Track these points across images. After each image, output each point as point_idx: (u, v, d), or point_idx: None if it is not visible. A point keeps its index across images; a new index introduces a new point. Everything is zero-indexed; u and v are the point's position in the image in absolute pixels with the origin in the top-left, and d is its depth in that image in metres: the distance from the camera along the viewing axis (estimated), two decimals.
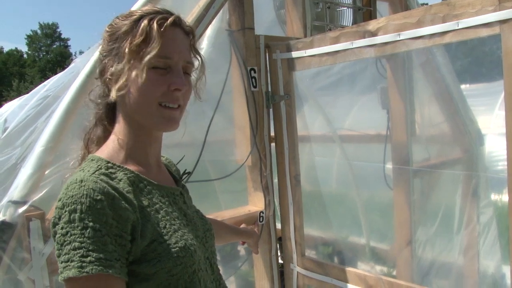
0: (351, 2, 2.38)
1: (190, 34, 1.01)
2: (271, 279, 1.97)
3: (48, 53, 45.38)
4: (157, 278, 0.89)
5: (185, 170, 1.24)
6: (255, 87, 1.91)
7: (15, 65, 42.86)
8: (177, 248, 0.93)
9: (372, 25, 1.55)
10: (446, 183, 2.67)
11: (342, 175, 3.06)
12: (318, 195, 2.65)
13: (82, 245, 0.80)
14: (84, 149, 1.04)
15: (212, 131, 1.80)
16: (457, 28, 1.34)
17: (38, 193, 1.36)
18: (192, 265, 0.96)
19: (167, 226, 0.95)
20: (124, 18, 0.98)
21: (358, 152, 3.05)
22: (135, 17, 0.96)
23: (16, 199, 1.36)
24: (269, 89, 1.96)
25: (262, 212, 1.92)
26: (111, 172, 0.93)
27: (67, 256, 0.81)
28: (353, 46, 1.61)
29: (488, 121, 4.25)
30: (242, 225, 1.75)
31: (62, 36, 47.49)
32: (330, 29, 2.27)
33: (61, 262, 0.82)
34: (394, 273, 2.66)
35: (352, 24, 2.36)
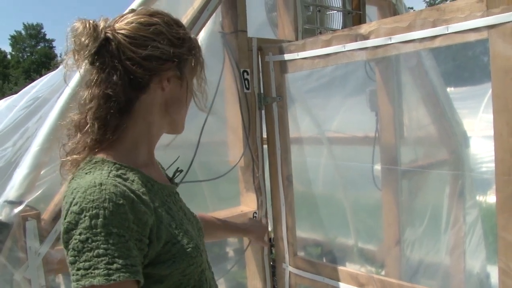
0: (340, 5, 2.41)
1: None
2: (264, 279, 1.99)
3: (33, 54, 44.75)
4: (171, 279, 0.90)
5: (177, 168, 1.22)
6: (247, 89, 1.93)
7: None
8: (190, 248, 0.93)
9: (364, 28, 1.59)
10: (433, 184, 2.72)
11: (330, 176, 3.10)
12: (307, 196, 2.68)
13: (108, 252, 0.79)
14: (88, 150, 0.97)
15: (204, 132, 1.82)
16: (446, 32, 1.38)
17: (34, 193, 1.36)
18: (201, 264, 0.97)
19: (178, 226, 0.95)
20: (182, 29, 1.01)
21: (346, 153, 3.09)
22: (187, 32, 1.02)
23: (12, 199, 1.36)
24: (261, 91, 1.98)
25: (255, 212, 1.95)
26: (122, 173, 0.91)
27: (87, 263, 0.79)
28: (345, 49, 1.64)
29: (472, 124, 4.34)
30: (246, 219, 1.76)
31: (47, 37, 46.97)
32: (320, 32, 2.31)
33: (78, 269, 0.79)
34: (383, 273, 2.70)
35: (342, 28, 2.40)
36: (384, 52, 1.54)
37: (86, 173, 0.89)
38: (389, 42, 1.51)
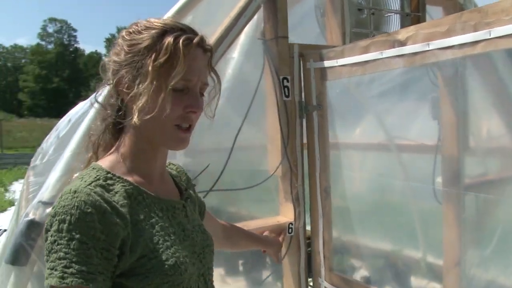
0: (398, 7, 2.27)
1: (209, 52, 0.99)
2: None
3: None
4: None
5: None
6: (287, 96, 1.89)
7: (94, 67, 45.67)
8: (167, 266, 0.92)
9: (402, 33, 1.47)
10: (507, 200, 2.46)
11: (386, 186, 2.93)
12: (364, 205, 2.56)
13: (67, 256, 0.82)
14: (92, 154, 1.03)
15: (240, 139, 1.80)
16: (489, 37, 1.23)
17: None
18: (180, 283, 0.95)
19: (160, 241, 0.94)
20: (145, 29, 0.95)
21: (406, 162, 2.91)
22: (157, 30, 0.94)
23: (45, 200, 1.46)
24: (303, 99, 1.92)
25: (291, 223, 1.89)
26: (108, 184, 0.93)
27: (52, 264, 0.83)
28: (383, 56, 1.53)
29: None
30: (265, 233, 1.72)
31: None
32: (374, 36, 2.19)
33: (47, 269, 0.84)
34: None
35: None
36: (422, 59, 1.42)
37: (78, 178, 0.93)
38: (427, 49, 1.38)
